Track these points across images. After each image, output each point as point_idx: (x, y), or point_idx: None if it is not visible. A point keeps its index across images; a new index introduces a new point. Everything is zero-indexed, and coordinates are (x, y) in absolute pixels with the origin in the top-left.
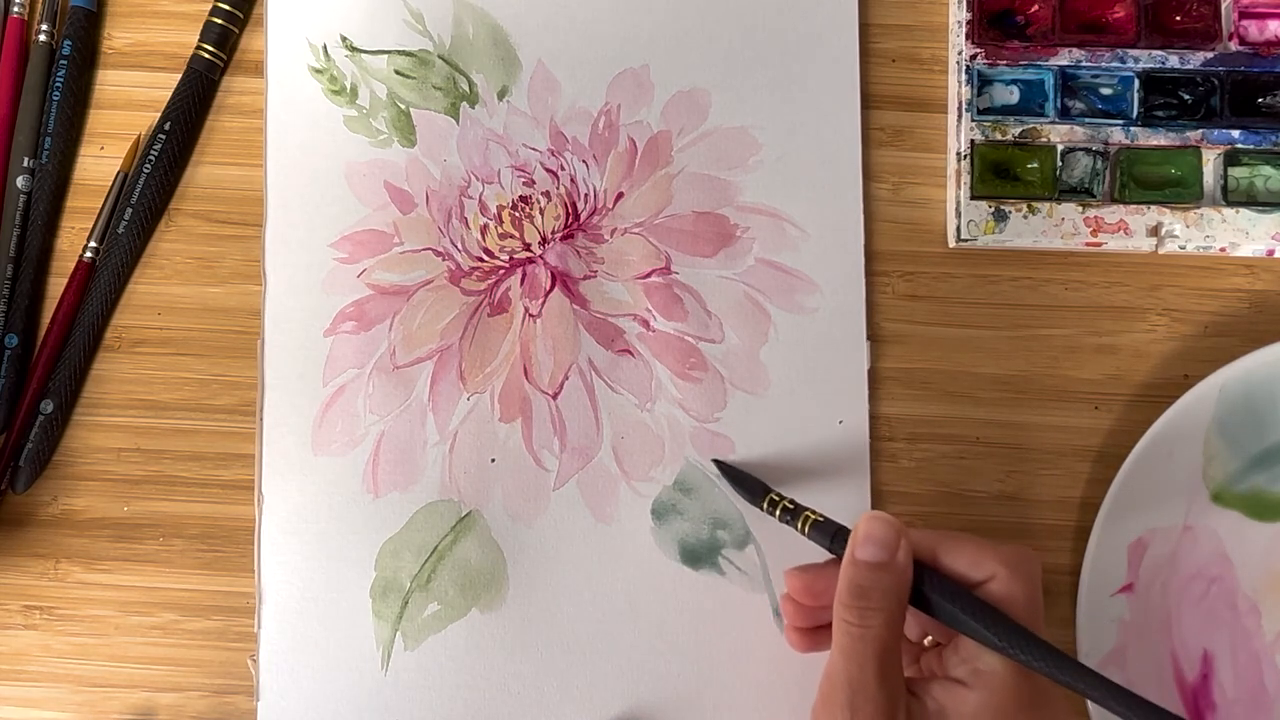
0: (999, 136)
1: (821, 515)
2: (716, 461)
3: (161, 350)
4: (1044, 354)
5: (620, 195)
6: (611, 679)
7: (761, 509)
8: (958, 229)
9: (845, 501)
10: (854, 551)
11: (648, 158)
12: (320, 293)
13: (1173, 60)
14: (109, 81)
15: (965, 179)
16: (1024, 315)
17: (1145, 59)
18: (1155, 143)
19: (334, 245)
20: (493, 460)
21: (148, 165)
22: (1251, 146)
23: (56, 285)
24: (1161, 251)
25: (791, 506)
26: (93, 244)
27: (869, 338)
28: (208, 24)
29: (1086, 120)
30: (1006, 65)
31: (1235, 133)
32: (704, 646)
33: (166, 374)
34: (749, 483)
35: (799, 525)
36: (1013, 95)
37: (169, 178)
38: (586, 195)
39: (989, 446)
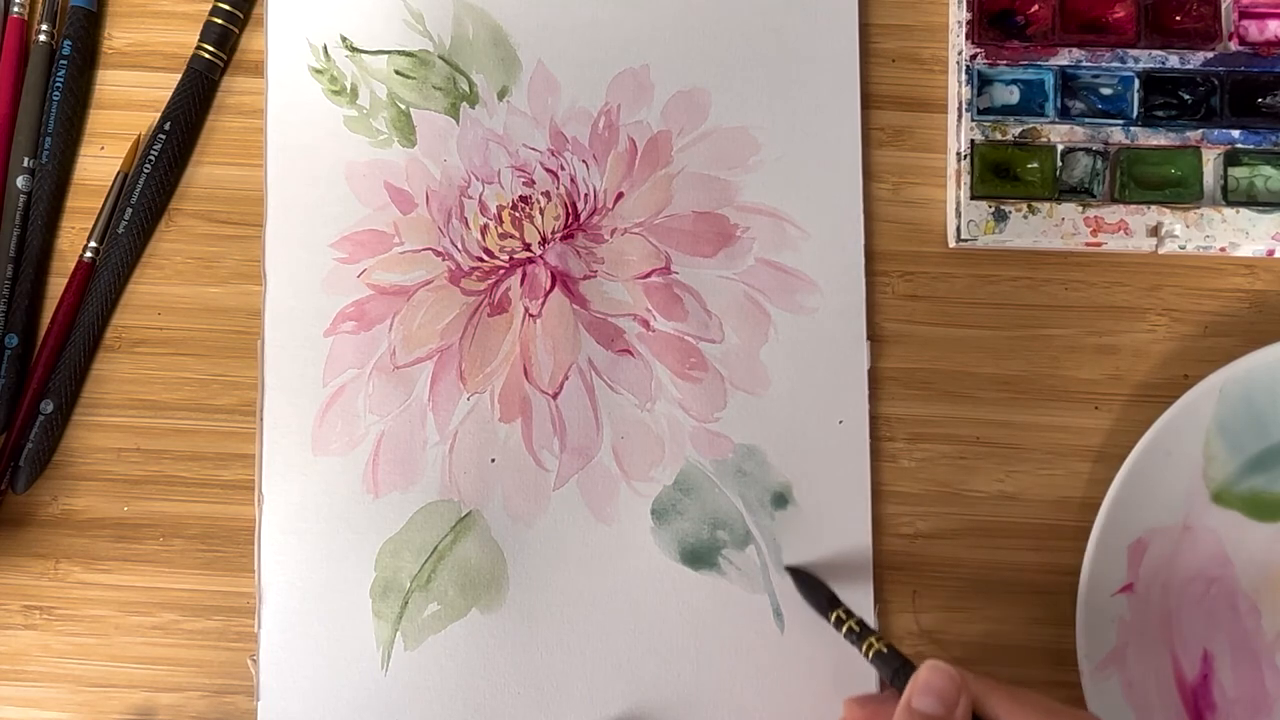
0: (999, 136)
1: (887, 645)
2: (789, 568)
3: (161, 350)
4: (1044, 354)
5: (620, 195)
6: (611, 679)
7: (828, 621)
8: (958, 229)
9: (845, 501)
10: (910, 699)
11: (648, 158)
12: (320, 293)
13: (1173, 60)
14: (109, 81)
15: (965, 179)
16: (1024, 315)
17: (1145, 59)
18: (1155, 143)
19: (334, 245)
20: (493, 460)
21: (148, 165)
22: (1251, 146)
23: (56, 285)
24: (1161, 251)
25: (858, 629)
26: (93, 244)
27: (869, 338)
28: (208, 24)
29: (1086, 120)
30: (1006, 65)
31: (1235, 133)
32: (704, 646)
33: (166, 374)
34: (819, 592)
35: (863, 649)
36: (1013, 95)
37: (169, 178)
38: (586, 195)
39: (989, 446)
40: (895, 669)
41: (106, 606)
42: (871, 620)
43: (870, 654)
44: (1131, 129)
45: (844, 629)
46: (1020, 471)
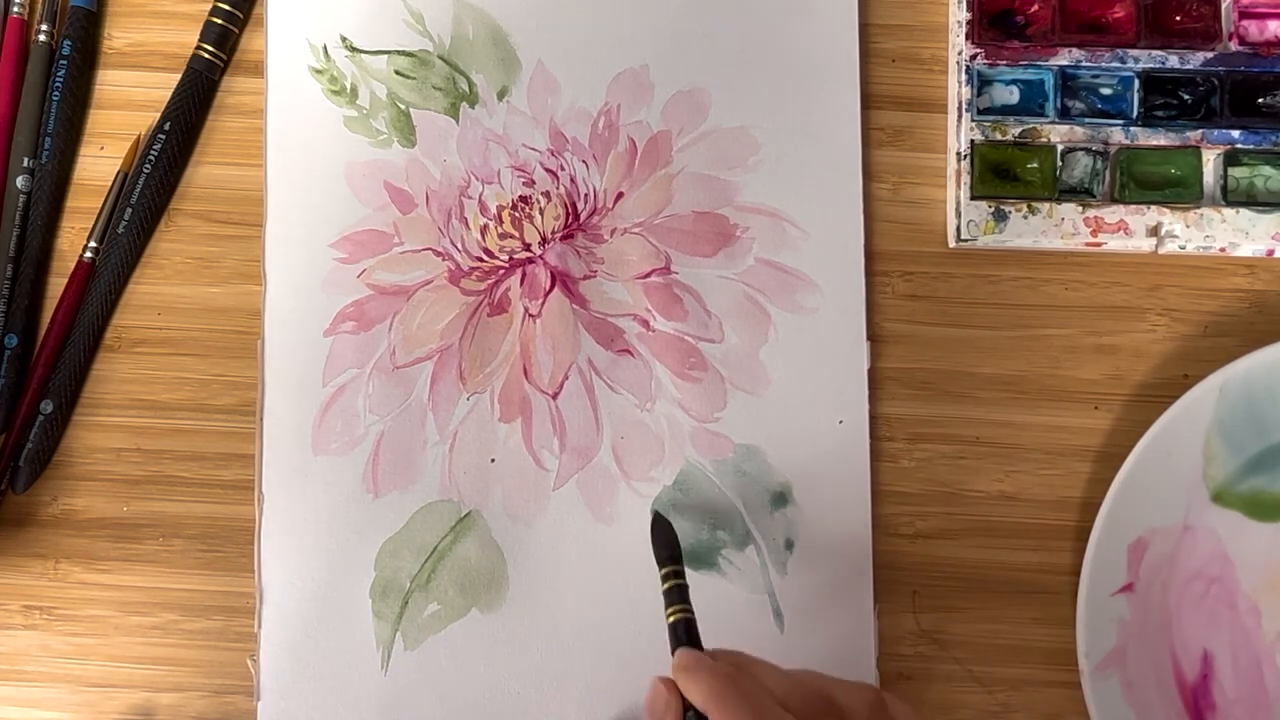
0: (999, 136)
1: (686, 619)
2: (655, 513)
3: (161, 350)
4: (1044, 354)
5: (620, 195)
6: (611, 679)
7: (659, 571)
8: (958, 229)
9: (845, 501)
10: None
11: (648, 158)
12: (320, 293)
13: (1173, 60)
14: (109, 81)
15: (965, 179)
16: (1024, 315)
17: (1145, 59)
18: (1155, 143)
19: (334, 245)
20: (493, 460)
21: (148, 165)
22: (1251, 146)
23: (56, 285)
24: (1161, 251)
25: (670, 592)
26: (93, 244)
27: (869, 338)
28: (208, 24)
29: (1086, 120)
30: (1006, 65)
31: (1235, 133)
32: (704, 646)
33: (166, 374)
34: (665, 544)
35: (667, 613)
36: (1013, 95)
37: (169, 178)
38: (586, 195)
39: (989, 446)
40: (673, 644)
41: (106, 606)
42: (872, 621)
43: (670, 619)
44: (1131, 129)
45: (665, 585)
46: (1020, 471)
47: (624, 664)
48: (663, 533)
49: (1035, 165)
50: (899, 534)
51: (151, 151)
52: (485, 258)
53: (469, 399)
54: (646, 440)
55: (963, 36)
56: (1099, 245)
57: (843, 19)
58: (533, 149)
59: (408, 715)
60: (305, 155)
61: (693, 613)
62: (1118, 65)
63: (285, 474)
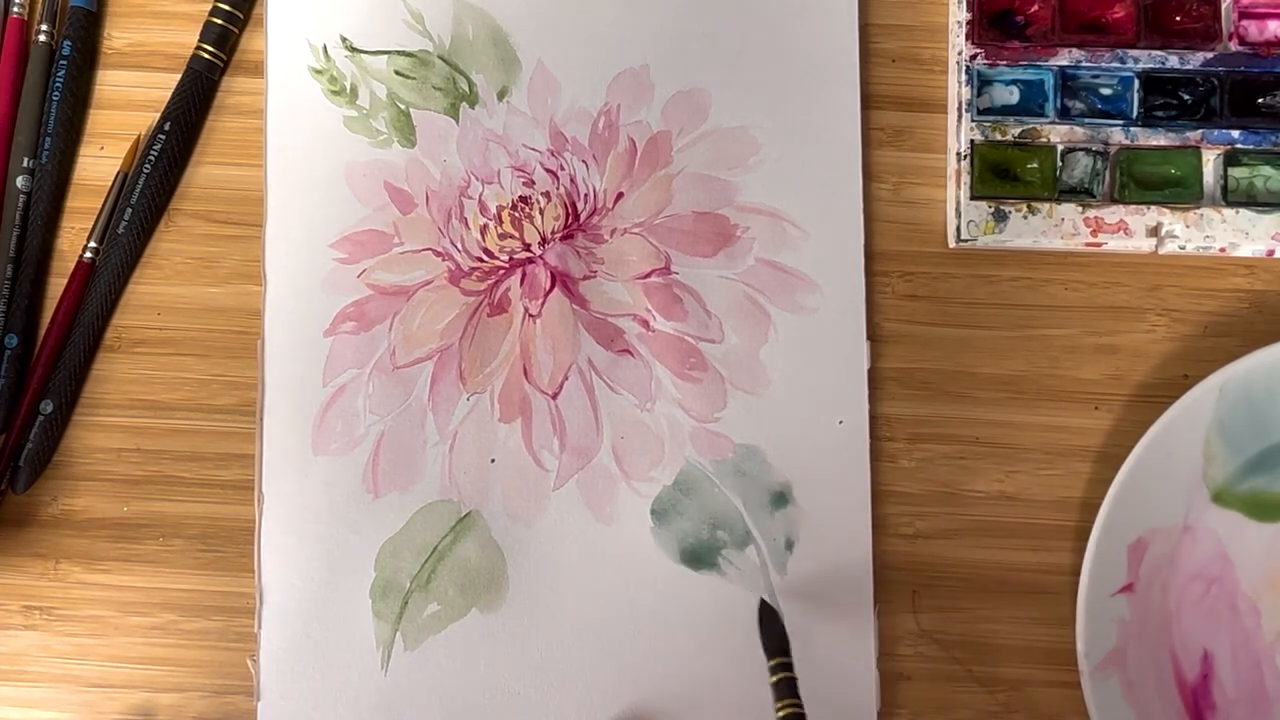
0: (999, 136)
1: (795, 711)
2: (762, 602)
3: (161, 350)
4: (1044, 354)
5: (620, 195)
6: (611, 679)
7: (768, 663)
8: (958, 229)
9: (845, 501)
10: None
11: (647, 158)
12: (320, 293)
13: (1173, 60)
14: (109, 81)
15: (965, 179)
16: (1024, 315)
17: (1145, 59)
18: (1155, 143)
19: (334, 245)
20: (493, 460)
21: (148, 165)
22: (1251, 146)
23: (56, 285)
24: (1161, 252)
25: (779, 685)
26: (93, 244)
27: (869, 338)
28: (208, 24)
29: (1086, 120)
30: (1006, 65)
31: (1235, 133)
32: (704, 646)
33: (166, 374)
34: (773, 635)
35: (776, 707)
36: (1013, 95)
37: (169, 178)
38: (586, 195)
39: (989, 446)
40: None
41: (106, 606)
42: (872, 621)
43: (779, 714)
44: (1131, 129)
45: (773, 679)
46: (1020, 471)
47: (624, 664)
48: (772, 624)
49: (1035, 165)
50: (899, 534)
51: (151, 151)
52: (485, 258)
53: (469, 399)
54: (646, 440)
55: (963, 36)
56: (1099, 245)
57: (843, 19)
58: (533, 149)
59: (408, 715)
60: (305, 155)
61: (803, 707)
62: (1118, 65)
63: (285, 474)
